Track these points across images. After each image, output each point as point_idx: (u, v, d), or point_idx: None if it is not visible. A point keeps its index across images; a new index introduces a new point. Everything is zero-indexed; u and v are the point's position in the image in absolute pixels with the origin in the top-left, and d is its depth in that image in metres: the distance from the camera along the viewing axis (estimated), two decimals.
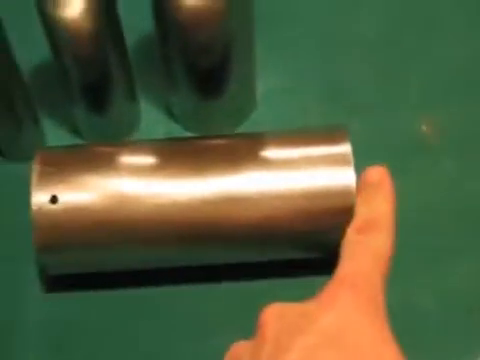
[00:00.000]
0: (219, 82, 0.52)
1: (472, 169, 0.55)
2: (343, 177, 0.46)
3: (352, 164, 0.46)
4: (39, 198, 0.45)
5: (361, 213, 0.44)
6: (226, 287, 0.50)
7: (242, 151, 0.47)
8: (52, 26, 0.47)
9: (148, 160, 0.48)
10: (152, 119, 0.57)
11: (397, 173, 0.53)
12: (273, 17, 0.61)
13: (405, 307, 0.48)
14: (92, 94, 0.52)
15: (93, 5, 0.46)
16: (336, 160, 0.46)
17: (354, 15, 0.62)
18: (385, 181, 0.44)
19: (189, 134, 0.56)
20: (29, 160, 0.52)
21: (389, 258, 0.41)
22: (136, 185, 0.46)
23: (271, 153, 0.48)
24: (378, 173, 0.44)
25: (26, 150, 0.54)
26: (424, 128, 0.56)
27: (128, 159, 0.48)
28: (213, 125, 0.56)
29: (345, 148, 0.47)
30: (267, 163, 0.47)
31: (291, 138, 0.48)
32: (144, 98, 0.57)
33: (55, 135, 0.56)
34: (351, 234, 0.43)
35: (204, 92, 0.53)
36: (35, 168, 0.46)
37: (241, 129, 0.56)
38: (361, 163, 0.46)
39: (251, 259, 0.49)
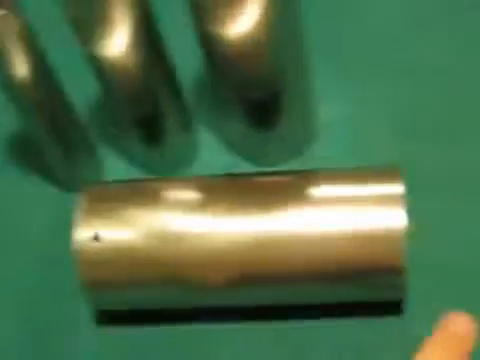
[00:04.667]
0: (270, 114, 0.51)
1: None
2: (393, 219, 0.44)
3: (403, 206, 0.44)
4: (82, 235, 0.46)
5: None
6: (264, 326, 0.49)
7: (290, 189, 0.46)
8: (96, 64, 0.47)
9: (193, 197, 0.47)
10: (211, 152, 0.56)
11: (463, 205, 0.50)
12: (337, 45, 0.59)
13: None
14: (144, 127, 0.52)
15: (134, 41, 0.46)
16: (387, 201, 0.44)
17: (419, 42, 0.59)
18: (469, 339, 0.36)
19: (248, 166, 0.55)
20: None
21: None
22: (180, 223, 0.46)
23: (319, 192, 0.46)
24: (465, 324, 0.37)
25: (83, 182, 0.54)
26: None
27: (174, 196, 0.47)
28: (270, 157, 0.55)
29: (397, 188, 0.44)
30: (314, 202, 0.45)
31: (341, 176, 0.47)
32: (203, 131, 0.57)
33: (113, 168, 0.56)
34: None
35: (256, 124, 0.52)
36: (80, 204, 0.47)
37: (301, 160, 0.55)
38: (426, 194, 0.46)
39: (294, 301, 0.47)
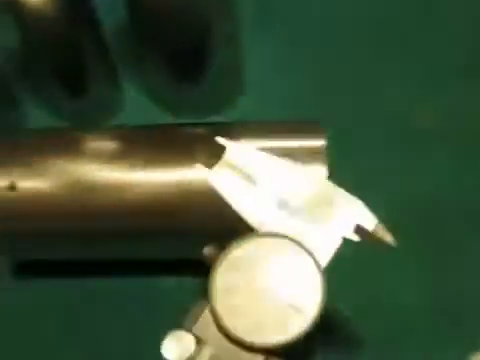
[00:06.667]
0: (193, 68, 0.51)
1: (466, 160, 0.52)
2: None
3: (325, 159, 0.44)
4: None
5: None
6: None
7: (209, 141, 0.43)
8: (16, 11, 0.46)
9: (112, 148, 0.46)
10: (137, 104, 0.56)
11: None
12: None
13: None
14: (66, 77, 0.51)
15: None
16: (309, 154, 0.44)
17: None
18: None
19: (172, 120, 0.54)
20: None
21: None
22: (98, 173, 0.45)
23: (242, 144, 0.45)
24: None
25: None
26: (419, 115, 0.53)
27: (92, 146, 0.46)
28: (195, 110, 0.54)
29: (319, 142, 0.44)
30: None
31: (265, 129, 0.46)
32: (130, 83, 0.56)
33: (37, 117, 0.55)
34: None
35: (180, 77, 0.52)
36: None
37: (227, 114, 0.54)
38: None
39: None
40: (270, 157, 0.39)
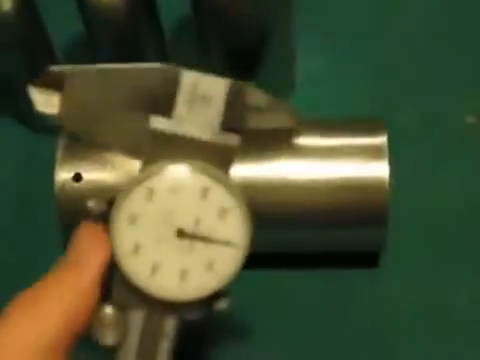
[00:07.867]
0: (251, 62, 0.51)
1: None
2: (377, 170, 0.44)
3: (386, 157, 0.44)
4: (63, 175, 0.45)
5: None
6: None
7: (274, 138, 0.45)
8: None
9: None
10: None
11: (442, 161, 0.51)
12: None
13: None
14: None
15: None
16: (371, 152, 0.44)
17: None
18: None
19: None
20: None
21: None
22: None
23: (303, 141, 0.45)
24: None
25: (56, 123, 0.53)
26: (471, 119, 0.54)
27: None
28: None
29: (381, 140, 0.44)
30: (299, 152, 0.45)
31: (326, 127, 0.46)
32: None
33: None
34: None
35: (237, 72, 0.52)
36: (61, 144, 0.45)
37: None
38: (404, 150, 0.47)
39: (275, 249, 0.47)
40: None
